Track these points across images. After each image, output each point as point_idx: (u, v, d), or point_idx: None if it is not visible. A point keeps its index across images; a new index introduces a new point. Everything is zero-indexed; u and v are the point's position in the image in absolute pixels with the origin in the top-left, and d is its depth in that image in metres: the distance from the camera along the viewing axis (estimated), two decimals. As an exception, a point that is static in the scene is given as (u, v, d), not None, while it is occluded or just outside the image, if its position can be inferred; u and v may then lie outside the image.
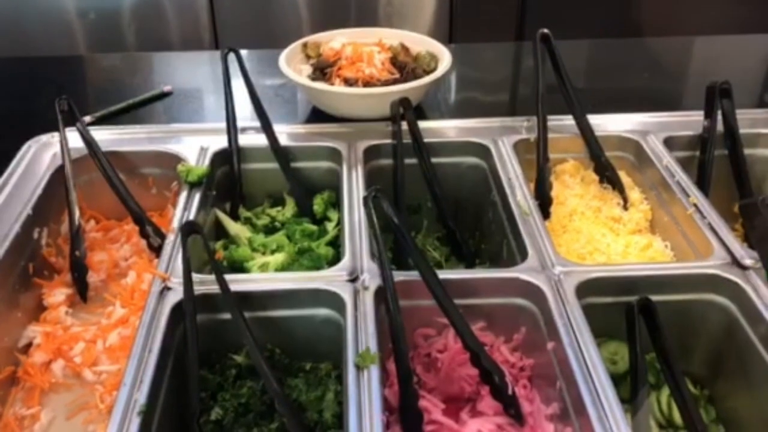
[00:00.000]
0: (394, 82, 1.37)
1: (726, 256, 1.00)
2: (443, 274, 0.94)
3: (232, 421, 0.91)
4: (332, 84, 1.37)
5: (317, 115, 1.40)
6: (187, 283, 0.92)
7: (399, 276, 0.95)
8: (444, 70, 1.37)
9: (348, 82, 1.37)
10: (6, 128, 1.30)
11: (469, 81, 1.58)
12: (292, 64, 1.41)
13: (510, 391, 0.89)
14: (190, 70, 1.68)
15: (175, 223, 1.07)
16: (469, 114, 1.36)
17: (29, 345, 1.04)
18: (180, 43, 2.62)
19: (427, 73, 1.39)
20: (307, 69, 1.45)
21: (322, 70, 1.42)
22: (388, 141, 1.23)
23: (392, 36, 1.51)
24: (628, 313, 0.88)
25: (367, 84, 1.36)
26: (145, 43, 2.59)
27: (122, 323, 1.04)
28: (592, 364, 0.84)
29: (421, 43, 1.49)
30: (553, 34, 1.26)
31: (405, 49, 1.46)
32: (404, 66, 1.41)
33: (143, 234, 1.12)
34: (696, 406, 0.93)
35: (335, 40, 1.48)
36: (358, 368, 0.84)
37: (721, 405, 1.00)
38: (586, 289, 0.95)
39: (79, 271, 1.11)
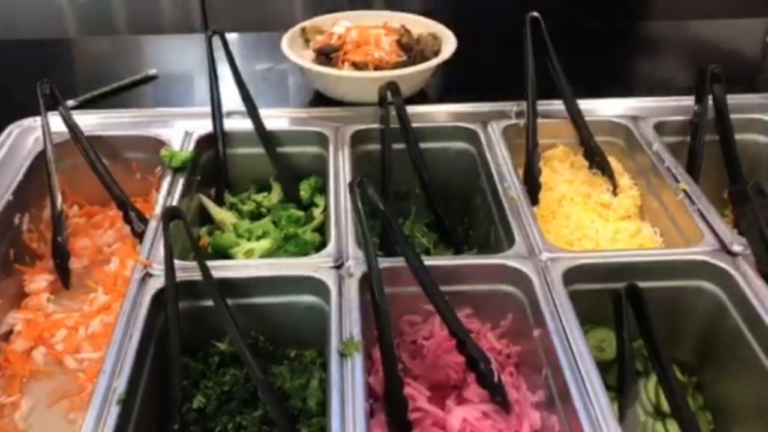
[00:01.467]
0: (404, 64, 1.35)
1: (715, 243, 0.99)
2: (430, 261, 0.93)
3: (215, 409, 0.90)
4: (340, 69, 1.35)
5: (304, 100, 1.38)
6: (169, 269, 0.90)
7: (385, 262, 0.94)
8: (452, 51, 1.36)
9: (357, 67, 1.35)
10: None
11: (458, 65, 1.56)
12: (294, 50, 1.39)
13: (496, 379, 0.88)
14: (178, 54, 1.66)
15: (158, 209, 1.05)
16: (458, 99, 1.35)
17: (10, 332, 1.02)
18: (171, 27, 2.59)
19: (435, 54, 1.38)
20: (310, 54, 1.42)
21: (326, 55, 1.39)
22: (376, 126, 1.22)
23: (393, 18, 1.49)
24: (616, 299, 0.87)
25: (377, 68, 1.34)
26: (136, 28, 2.56)
27: (105, 310, 1.03)
28: (578, 351, 0.83)
29: (421, 24, 1.47)
30: (543, 18, 1.25)
31: (407, 31, 1.44)
32: (411, 48, 1.40)
33: (127, 220, 1.11)
34: (683, 393, 0.93)
35: (338, 24, 1.46)
36: (342, 356, 0.83)
37: (709, 392, 1.00)
38: (573, 275, 0.94)
39: (61, 257, 1.09)
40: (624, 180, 1.20)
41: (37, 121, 1.20)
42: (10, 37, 2.19)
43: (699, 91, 1.23)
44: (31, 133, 1.23)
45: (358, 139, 1.21)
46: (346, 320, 0.87)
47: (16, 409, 0.93)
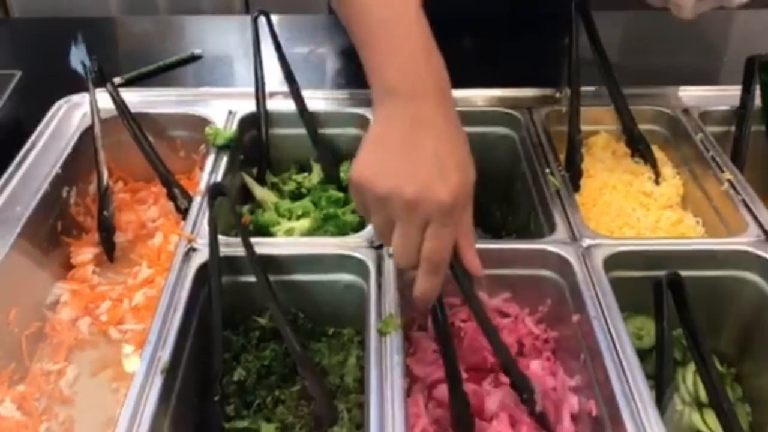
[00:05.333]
0: None
1: (760, 233, 0.98)
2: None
3: (254, 383, 0.91)
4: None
5: (344, 82, 1.39)
6: (213, 244, 0.92)
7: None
8: None
9: None
10: (39, 88, 1.30)
11: (502, 49, 1.55)
12: None
13: (539, 408, 0.84)
14: (221, 34, 1.67)
15: (202, 186, 1.07)
16: (502, 83, 1.34)
17: (57, 302, 1.05)
18: (211, 7, 2.61)
19: None
20: None
21: None
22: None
23: None
24: (656, 287, 0.87)
25: None
26: (176, 8, 2.59)
27: (148, 283, 1.05)
28: (618, 337, 0.83)
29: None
30: (591, 5, 1.23)
31: None
32: None
33: (171, 196, 1.13)
34: (722, 384, 0.92)
35: None
36: (381, 333, 0.84)
37: (748, 384, 0.99)
38: (614, 262, 0.94)
39: (106, 231, 1.11)
40: (667, 169, 1.19)
41: (85, 97, 1.22)
42: (55, 14, 2.24)
43: (747, 79, 1.21)
44: (78, 109, 1.25)
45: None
46: (384, 299, 0.88)
47: (62, 376, 0.96)
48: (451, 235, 0.77)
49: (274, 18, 1.30)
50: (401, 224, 0.75)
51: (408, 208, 0.73)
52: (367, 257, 0.94)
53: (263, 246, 0.95)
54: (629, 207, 1.14)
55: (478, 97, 1.30)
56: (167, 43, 1.61)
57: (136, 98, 1.27)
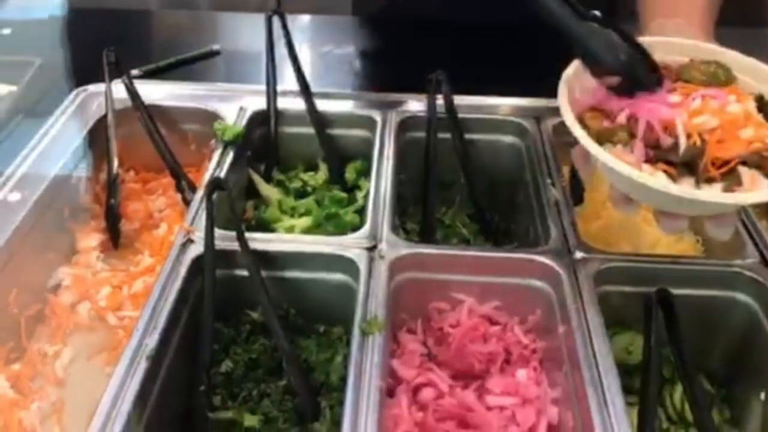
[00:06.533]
0: None
1: (756, 255, 0.97)
2: (464, 251, 0.94)
3: (242, 375, 0.93)
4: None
5: (356, 83, 1.40)
6: (209, 236, 0.93)
7: (417, 248, 0.96)
8: None
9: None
10: (57, 76, 1.33)
11: (514, 57, 1.55)
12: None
13: None
14: (242, 31, 1.70)
15: (206, 179, 1.09)
16: (512, 92, 1.34)
17: (59, 285, 1.08)
18: (246, 5, 2.64)
19: None
20: None
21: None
22: (424, 114, 1.22)
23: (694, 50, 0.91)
24: (646, 303, 0.87)
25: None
26: (214, 4, 2.61)
27: (149, 272, 1.07)
28: (599, 351, 0.83)
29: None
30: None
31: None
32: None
33: (178, 188, 1.15)
34: (709, 405, 0.92)
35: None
36: (364, 333, 0.85)
37: (737, 405, 0.98)
38: (605, 276, 0.94)
39: (112, 219, 1.14)
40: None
41: (101, 87, 1.25)
42: (92, 6, 2.28)
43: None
44: (95, 99, 1.27)
45: (405, 126, 1.22)
46: (372, 300, 0.89)
47: (57, 358, 0.98)
48: None
49: (297, 18, 1.31)
50: None
51: None
52: (359, 258, 0.95)
53: (258, 242, 0.97)
54: (631, 221, 1.14)
55: (488, 104, 1.30)
56: (191, 38, 1.63)
57: (152, 90, 1.29)
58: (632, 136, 0.79)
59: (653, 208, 0.83)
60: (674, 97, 0.80)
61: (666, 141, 0.77)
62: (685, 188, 0.75)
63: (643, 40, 0.85)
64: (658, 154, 0.77)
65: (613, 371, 0.81)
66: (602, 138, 0.80)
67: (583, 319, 0.87)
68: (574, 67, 0.87)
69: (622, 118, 0.81)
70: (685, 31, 0.98)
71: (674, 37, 0.93)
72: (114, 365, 0.95)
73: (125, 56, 1.26)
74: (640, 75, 0.81)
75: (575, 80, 0.86)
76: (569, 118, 0.81)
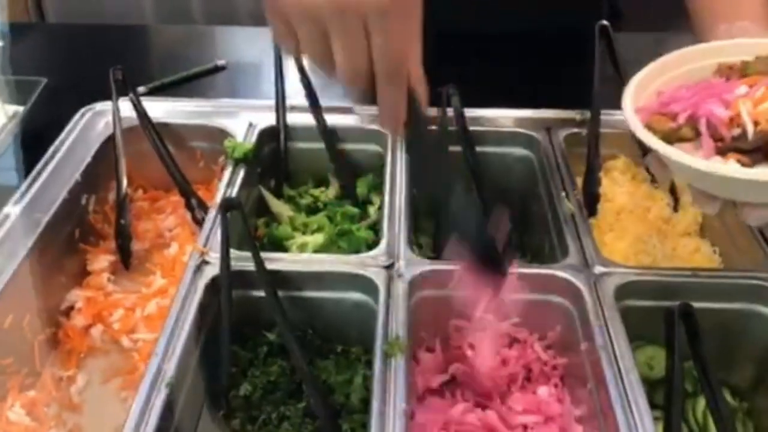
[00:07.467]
0: None
1: (776, 267, 0.96)
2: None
3: (260, 398, 0.91)
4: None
5: (368, 98, 1.38)
6: (224, 258, 0.92)
7: (435, 265, 0.95)
8: None
9: None
10: (64, 95, 1.32)
11: (524, 69, 1.55)
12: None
13: None
14: (247, 46, 1.69)
15: (218, 199, 1.08)
16: (522, 104, 1.33)
17: (71, 308, 1.06)
18: (246, 17, 2.63)
19: None
20: None
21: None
22: (435, 127, 1.21)
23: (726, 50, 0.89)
24: (668, 318, 0.86)
25: None
26: (212, 18, 2.60)
27: (161, 293, 1.06)
28: (624, 367, 0.82)
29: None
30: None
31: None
32: None
33: (188, 207, 1.14)
34: (732, 419, 0.91)
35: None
36: (386, 356, 0.84)
37: (760, 419, 0.97)
38: (626, 291, 0.93)
39: (123, 239, 1.13)
40: (686, 196, 1.18)
41: (108, 105, 1.24)
42: (92, 21, 2.27)
43: None
44: (102, 117, 1.26)
45: (417, 139, 1.21)
46: (392, 320, 0.88)
47: (72, 382, 0.97)
48: (400, 28, 0.68)
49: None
50: (337, 32, 0.67)
51: (339, 7, 0.65)
52: (377, 277, 0.94)
53: (274, 261, 0.95)
54: (646, 233, 1.13)
55: (498, 117, 1.29)
56: (194, 53, 1.62)
57: (158, 107, 1.28)
58: (698, 132, 0.78)
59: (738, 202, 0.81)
60: (740, 89, 0.78)
61: (730, 133, 0.75)
62: (761, 171, 0.72)
63: (718, 43, 0.87)
64: (728, 145, 0.76)
65: (639, 388, 0.80)
66: (669, 139, 0.78)
67: (606, 335, 0.86)
68: (636, 80, 0.86)
69: (683, 118, 0.79)
70: (752, 31, 0.97)
71: (743, 39, 0.92)
72: (130, 390, 0.95)
73: (128, 72, 1.25)
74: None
75: (636, 92, 0.85)
76: (638, 127, 0.79)
